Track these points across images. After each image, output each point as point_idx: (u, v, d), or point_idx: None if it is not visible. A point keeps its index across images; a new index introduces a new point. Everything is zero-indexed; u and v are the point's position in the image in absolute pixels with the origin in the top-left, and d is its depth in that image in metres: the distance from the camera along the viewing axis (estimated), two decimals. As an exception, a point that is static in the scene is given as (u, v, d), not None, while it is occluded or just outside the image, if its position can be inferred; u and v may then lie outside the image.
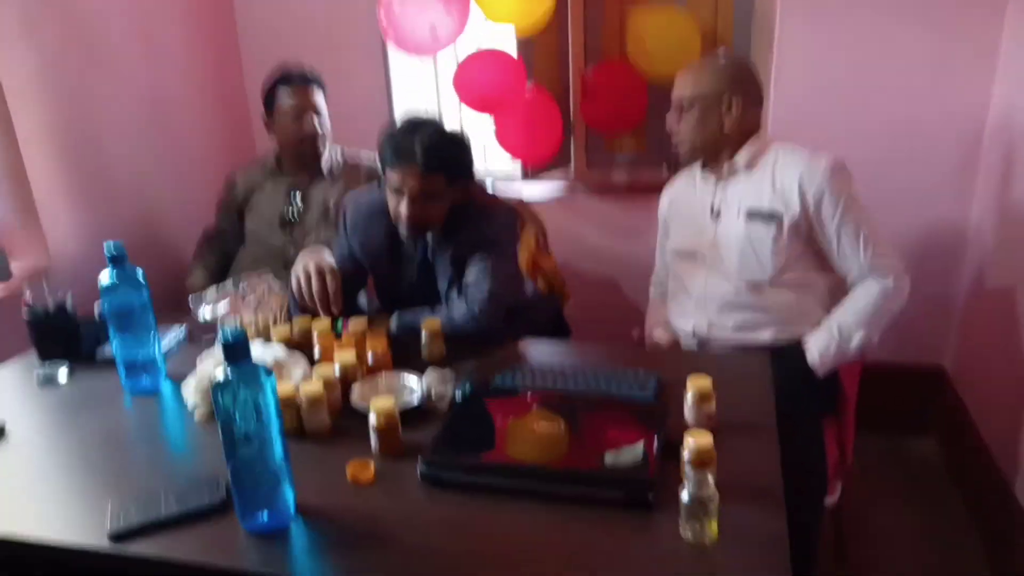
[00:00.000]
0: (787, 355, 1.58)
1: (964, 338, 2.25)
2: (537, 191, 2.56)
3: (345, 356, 1.36)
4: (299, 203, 2.15)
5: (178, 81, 2.44)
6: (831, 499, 1.67)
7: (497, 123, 2.35)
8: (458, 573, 0.91)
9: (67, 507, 1.10)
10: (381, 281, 1.82)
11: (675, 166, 2.11)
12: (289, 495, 1.03)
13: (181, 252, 2.38)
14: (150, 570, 0.97)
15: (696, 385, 1.14)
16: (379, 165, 1.63)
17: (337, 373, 1.32)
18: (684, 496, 0.91)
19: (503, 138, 2.38)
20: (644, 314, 2.00)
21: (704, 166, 1.75)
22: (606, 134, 2.50)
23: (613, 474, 1.02)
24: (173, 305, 2.08)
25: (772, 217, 1.61)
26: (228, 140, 2.66)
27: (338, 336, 1.49)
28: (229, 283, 1.57)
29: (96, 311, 1.57)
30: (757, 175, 1.66)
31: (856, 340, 1.58)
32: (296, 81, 2.07)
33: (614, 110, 2.35)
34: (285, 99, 2.07)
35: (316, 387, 1.22)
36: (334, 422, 1.26)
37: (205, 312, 1.53)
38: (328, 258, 1.60)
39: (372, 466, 1.11)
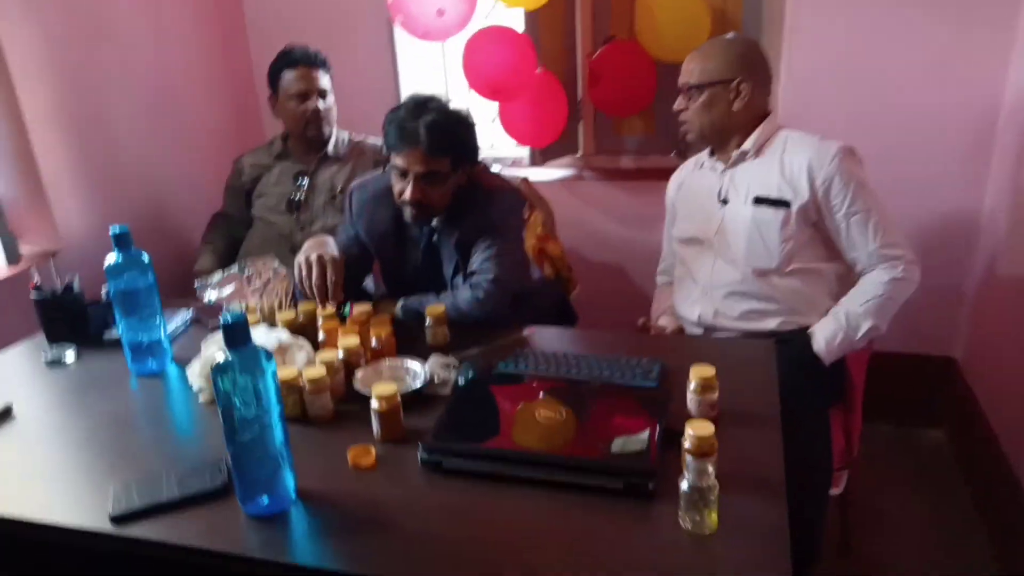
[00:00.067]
0: (793, 343, 1.57)
1: (975, 328, 2.22)
2: (545, 176, 2.54)
3: (349, 341, 1.36)
4: (306, 187, 2.14)
5: (186, 63, 2.43)
6: (836, 490, 1.66)
7: (502, 107, 2.33)
8: (457, 559, 0.91)
9: (71, 488, 1.11)
10: (387, 266, 1.81)
11: (684, 152, 2.09)
12: (290, 479, 1.03)
13: (189, 235, 2.39)
14: (151, 552, 0.98)
15: (699, 374, 1.13)
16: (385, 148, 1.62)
17: (341, 358, 1.32)
18: (684, 486, 0.91)
19: (508, 122, 2.35)
20: (651, 301, 1.99)
21: (712, 152, 1.73)
22: (615, 116, 2.47)
23: (613, 463, 1.01)
24: (181, 288, 2.09)
25: (780, 204, 1.59)
26: (236, 123, 2.66)
27: (343, 321, 1.49)
28: (234, 267, 1.57)
29: (103, 293, 1.58)
30: (766, 161, 1.63)
31: (864, 329, 1.57)
32: (301, 62, 2.06)
33: (622, 92, 2.32)
34: (290, 81, 2.06)
35: (319, 372, 1.22)
36: (337, 407, 1.26)
37: (210, 295, 1.53)
38: (332, 248, 1.59)
39: (373, 451, 1.12)
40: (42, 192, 1.95)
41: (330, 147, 2.16)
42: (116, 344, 1.51)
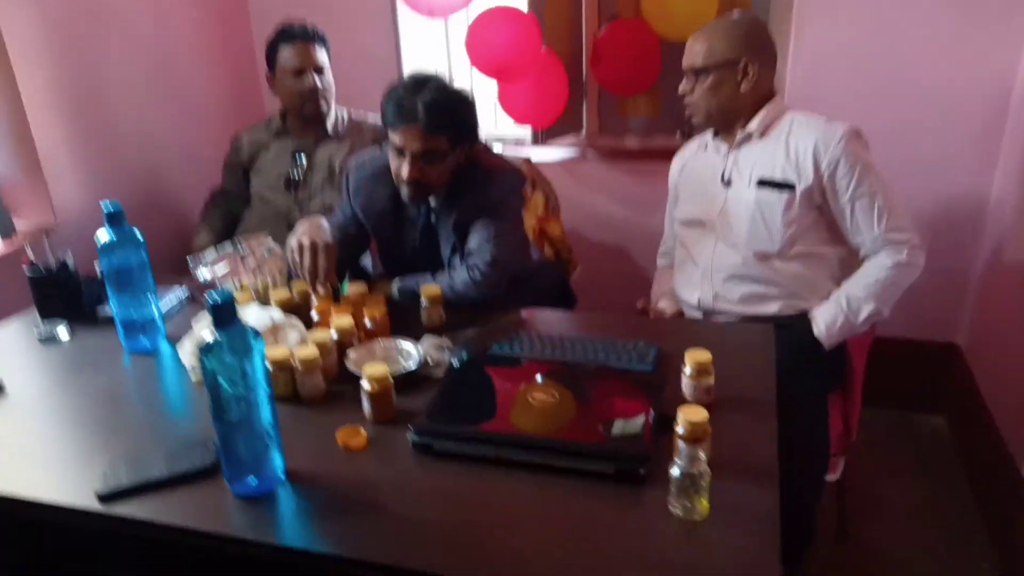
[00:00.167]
0: (793, 328, 1.55)
1: (979, 315, 2.19)
2: (547, 156, 2.51)
3: (342, 321, 1.34)
4: (304, 164, 2.12)
5: (185, 38, 2.40)
6: (833, 476, 1.64)
7: (501, 86, 2.29)
8: (445, 543, 0.90)
9: (60, 466, 1.11)
10: (384, 245, 1.80)
11: (689, 133, 2.06)
12: (278, 460, 1.02)
13: (188, 212, 2.37)
14: (138, 531, 0.97)
15: (694, 359, 1.11)
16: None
17: (334, 338, 1.31)
18: (675, 472, 0.89)
19: (507, 102, 2.31)
20: (652, 284, 1.97)
21: (716, 133, 1.70)
22: (619, 96, 2.43)
23: (605, 447, 1.00)
24: (179, 266, 2.08)
25: (784, 186, 1.56)
26: (236, 98, 2.63)
27: (337, 299, 1.48)
28: (228, 245, 1.55)
29: (97, 270, 1.57)
30: (771, 143, 1.60)
31: (865, 313, 1.54)
32: (298, 38, 2.03)
33: (626, 70, 2.28)
34: (287, 57, 2.03)
35: (311, 352, 1.21)
36: (330, 387, 1.25)
37: (204, 273, 1.52)
38: (325, 233, 1.55)
39: (364, 433, 1.11)
40: (38, 168, 1.93)
41: (329, 124, 2.13)
42: (109, 321, 1.50)
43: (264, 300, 1.51)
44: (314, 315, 1.43)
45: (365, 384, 1.14)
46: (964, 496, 2.04)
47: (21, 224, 1.95)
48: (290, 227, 1.96)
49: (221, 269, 1.51)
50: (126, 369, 1.41)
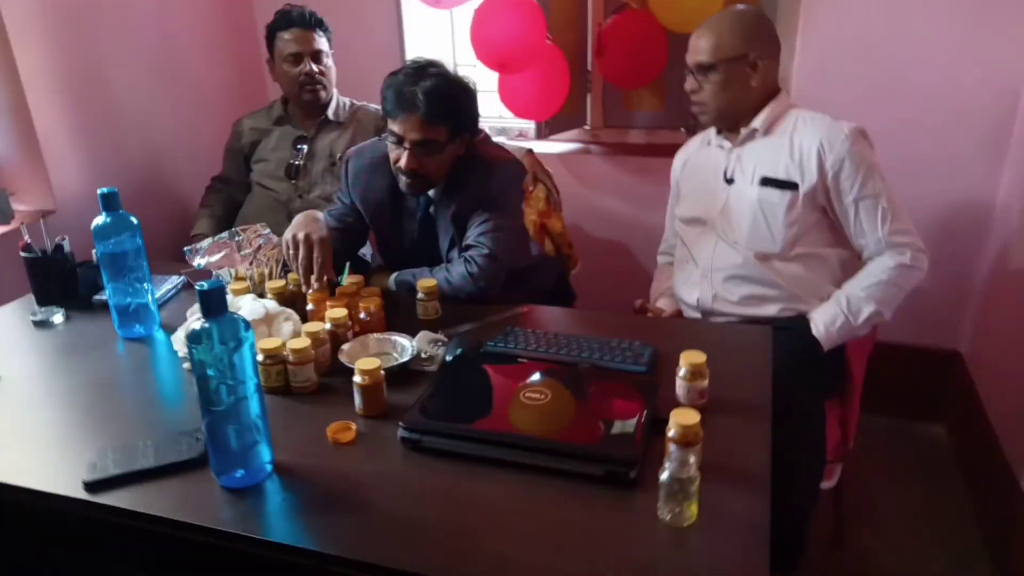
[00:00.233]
0: (791, 331, 1.53)
1: (983, 323, 2.17)
2: (550, 148, 2.49)
3: (336, 313, 1.33)
4: (305, 153, 2.11)
5: (188, 22, 2.39)
6: (829, 483, 1.63)
7: (503, 77, 2.26)
8: (428, 543, 0.89)
9: (50, 452, 1.10)
10: (382, 236, 1.78)
11: (693, 129, 2.03)
12: (265, 453, 1.01)
13: (188, 199, 2.36)
14: (124, 520, 0.97)
15: (688, 360, 1.10)
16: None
17: (328, 329, 1.30)
18: (664, 476, 0.88)
19: (507, 94, 2.28)
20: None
21: (720, 130, 1.67)
22: (623, 88, 2.41)
23: (594, 449, 0.99)
24: (179, 253, 2.06)
25: (787, 186, 1.54)
26: (238, 84, 2.62)
27: (333, 291, 1.47)
28: (225, 234, 1.54)
29: (94, 256, 1.56)
30: (775, 140, 1.58)
31: (865, 315, 1.52)
32: (296, 24, 2.01)
33: (631, 63, 2.25)
34: (284, 43, 2.02)
35: (303, 343, 1.20)
36: (322, 380, 1.24)
37: (199, 261, 1.51)
38: (321, 228, 1.53)
39: (354, 427, 1.10)
40: (38, 152, 1.93)
41: (330, 112, 2.12)
42: (105, 307, 1.49)
43: (260, 291, 1.50)
44: (309, 306, 1.42)
45: (356, 377, 1.13)
46: (963, 506, 2.02)
47: (20, 208, 1.94)
48: (290, 215, 1.95)
49: (217, 257, 1.50)
50: (120, 356, 1.40)
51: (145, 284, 1.44)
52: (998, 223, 2.11)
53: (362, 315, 1.38)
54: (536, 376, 1.17)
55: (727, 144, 1.65)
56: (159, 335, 1.46)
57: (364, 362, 1.13)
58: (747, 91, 1.57)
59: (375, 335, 1.35)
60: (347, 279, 1.50)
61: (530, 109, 2.32)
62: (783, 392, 1.19)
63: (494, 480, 0.99)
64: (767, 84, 1.58)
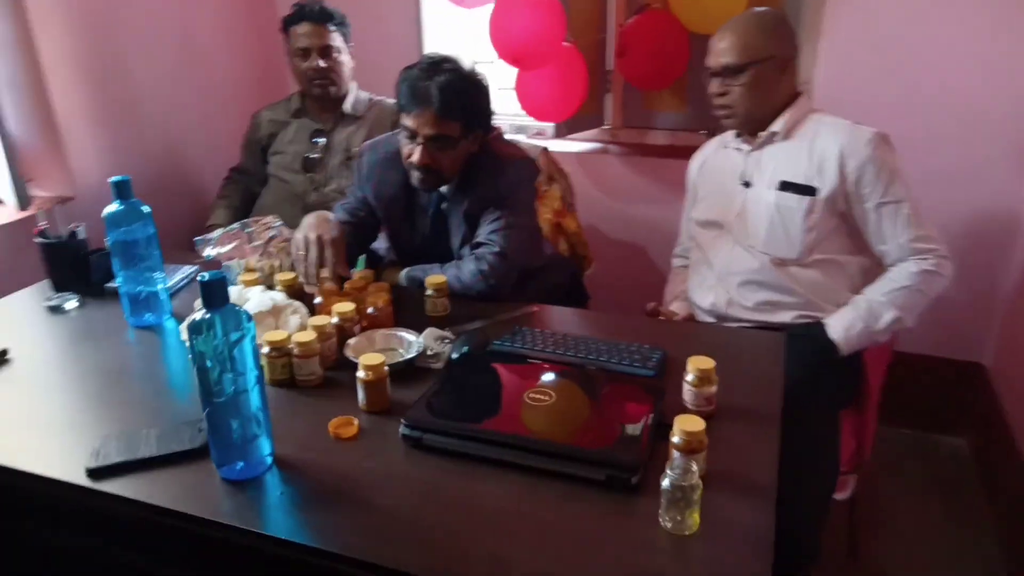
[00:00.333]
0: (807, 338, 1.50)
1: (1008, 334, 2.11)
2: (568, 147, 2.46)
3: (343, 308, 1.32)
4: (322, 146, 2.11)
5: (211, 13, 2.40)
6: (843, 494, 1.59)
7: (520, 76, 2.24)
8: (424, 542, 0.88)
9: (55, 438, 1.10)
10: (394, 232, 1.77)
11: (714, 132, 2.00)
12: (266, 446, 1.01)
13: (206, 190, 2.37)
14: (125, 509, 0.97)
15: (696, 366, 1.07)
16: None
17: (335, 323, 1.29)
18: (665, 483, 0.86)
19: (523, 93, 2.25)
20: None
21: (739, 132, 1.64)
22: (644, 89, 2.38)
23: (597, 453, 0.97)
24: (194, 244, 2.08)
25: (807, 190, 1.50)
26: (259, 77, 2.62)
27: (342, 284, 1.46)
28: (236, 225, 1.54)
29: (106, 243, 1.57)
30: (795, 144, 1.55)
31: (886, 320, 1.48)
32: (308, 18, 2.01)
33: (652, 63, 2.22)
34: (296, 37, 2.02)
35: (308, 336, 1.20)
36: (327, 374, 1.24)
37: (209, 252, 1.51)
38: (332, 227, 1.53)
39: (356, 422, 1.09)
40: (58, 138, 1.95)
41: (347, 106, 2.11)
42: (117, 294, 1.50)
43: (270, 283, 1.50)
44: (317, 299, 1.41)
45: (360, 372, 1.12)
46: (981, 520, 1.97)
47: (39, 193, 1.96)
48: (306, 208, 1.96)
49: (227, 248, 1.50)
50: (129, 343, 1.41)
51: (156, 273, 1.44)
52: (1025, 233, 2.05)
53: (369, 310, 1.37)
54: (541, 377, 1.15)
55: (745, 147, 1.62)
56: (169, 324, 1.46)
57: (368, 357, 1.12)
58: (775, 92, 1.54)
59: (382, 330, 1.34)
60: (357, 273, 1.50)
61: (546, 110, 2.30)
62: (796, 400, 1.16)
63: (494, 481, 0.97)
64: (789, 87, 1.55)
